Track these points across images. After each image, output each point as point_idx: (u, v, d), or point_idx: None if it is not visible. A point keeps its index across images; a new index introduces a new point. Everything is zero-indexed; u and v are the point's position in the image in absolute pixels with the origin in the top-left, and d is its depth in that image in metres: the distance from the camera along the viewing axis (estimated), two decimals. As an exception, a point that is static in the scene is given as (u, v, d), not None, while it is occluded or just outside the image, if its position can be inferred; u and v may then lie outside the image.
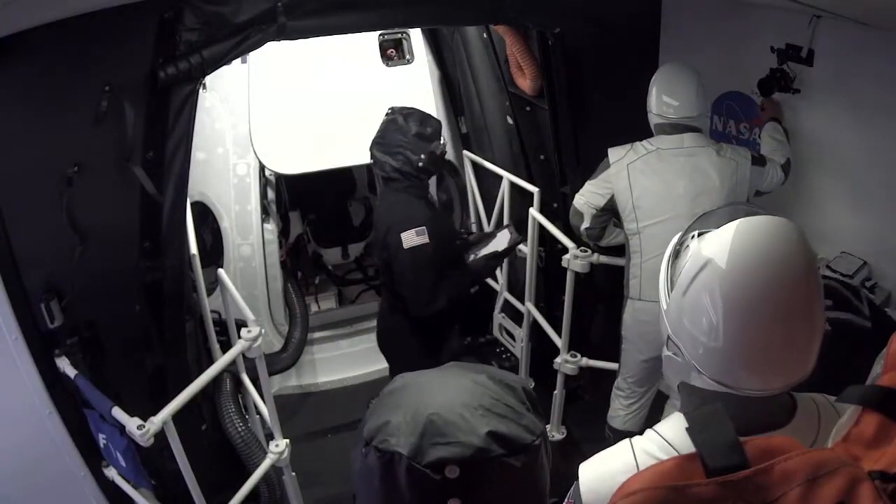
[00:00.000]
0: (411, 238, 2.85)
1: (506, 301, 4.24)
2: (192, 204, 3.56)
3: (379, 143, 2.96)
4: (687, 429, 0.94)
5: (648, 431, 1.29)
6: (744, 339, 1.14)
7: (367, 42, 4.07)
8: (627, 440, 1.29)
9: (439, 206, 4.89)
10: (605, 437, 3.36)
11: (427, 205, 3.04)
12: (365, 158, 3.04)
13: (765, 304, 1.13)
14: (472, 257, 3.17)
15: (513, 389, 0.96)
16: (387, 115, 3.00)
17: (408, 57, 4.16)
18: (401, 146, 2.90)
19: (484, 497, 0.88)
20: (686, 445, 1.11)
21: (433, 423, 0.88)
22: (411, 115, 2.93)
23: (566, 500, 1.32)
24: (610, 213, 3.05)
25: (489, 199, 4.20)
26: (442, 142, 2.99)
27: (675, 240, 1.33)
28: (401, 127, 2.90)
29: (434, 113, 4.23)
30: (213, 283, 3.54)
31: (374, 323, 3.60)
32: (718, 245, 1.18)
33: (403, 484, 0.86)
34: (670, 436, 1.25)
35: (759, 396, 1.17)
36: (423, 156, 2.90)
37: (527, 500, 0.95)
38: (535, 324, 3.84)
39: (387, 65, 4.13)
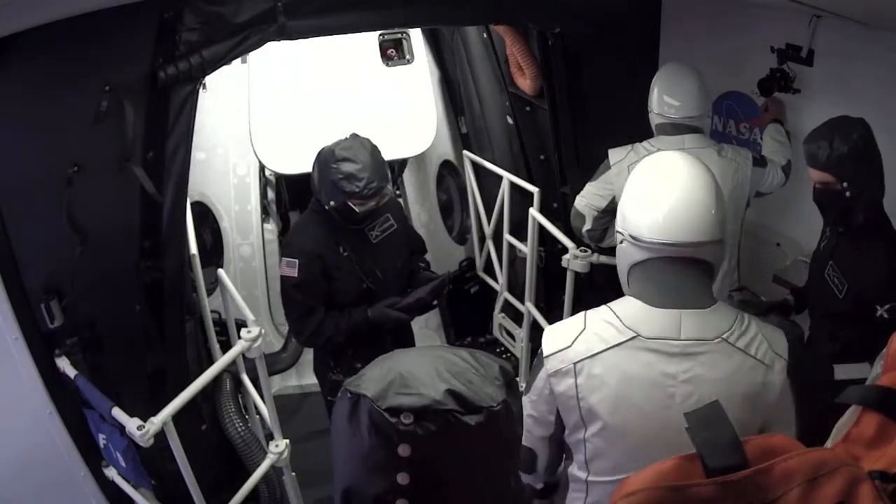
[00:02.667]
0: (283, 266, 2.83)
1: (506, 301, 4.24)
2: (192, 204, 3.56)
3: (318, 157, 2.81)
4: (687, 429, 0.94)
5: (603, 306, 1.66)
6: (651, 197, 1.60)
7: (367, 42, 4.07)
8: (584, 311, 1.68)
9: (439, 206, 4.92)
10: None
11: (334, 234, 2.86)
12: None
13: (664, 170, 1.63)
14: (386, 307, 2.92)
15: (488, 366, 1.01)
16: (343, 139, 2.80)
17: (408, 57, 4.16)
18: (322, 180, 2.76)
19: (434, 448, 0.93)
20: (632, 321, 1.58)
21: (402, 376, 0.95)
22: (347, 162, 2.69)
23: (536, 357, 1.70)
24: (611, 214, 3.04)
25: (489, 200, 4.20)
26: (370, 203, 2.75)
27: None
28: (330, 167, 2.71)
29: (434, 113, 4.26)
30: (213, 283, 3.54)
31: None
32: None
33: (364, 426, 0.94)
34: (620, 311, 1.62)
35: (680, 265, 1.58)
36: (333, 203, 2.76)
37: (481, 464, 0.99)
38: (535, 324, 3.84)
39: (387, 65, 4.12)
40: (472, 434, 0.94)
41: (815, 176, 2.40)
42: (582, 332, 1.62)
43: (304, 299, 2.85)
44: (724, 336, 1.57)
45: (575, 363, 1.60)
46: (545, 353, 1.65)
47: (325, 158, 2.75)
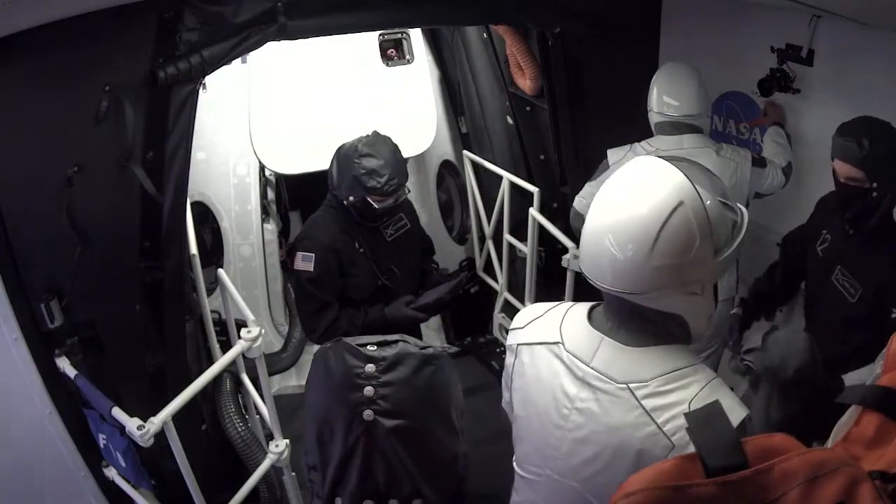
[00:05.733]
0: (298, 261, 2.82)
1: (506, 301, 4.23)
2: (192, 204, 3.56)
3: (338, 152, 2.84)
4: (687, 429, 0.94)
5: (580, 304, 1.56)
6: (586, 231, 1.42)
7: (367, 42, 4.06)
8: (565, 302, 1.63)
9: (439, 206, 4.91)
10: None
11: (350, 230, 2.88)
12: None
13: (609, 198, 1.39)
14: (403, 306, 2.94)
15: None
16: (365, 136, 2.82)
17: (408, 57, 4.16)
18: (343, 174, 2.77)
19: (392, 370, 1.55)
20: (567, 327, 1.50)
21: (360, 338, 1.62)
22: (370, 158, 2.72)
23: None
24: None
25: (489, 199, 4.20)
26: (388, 200, 2.77)
27: None
28: (352, 163, 2.73)
29: (434, 113, 4.25)
30: (213, 283, 3.54)
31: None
32: None
33: (338, 358, 1.57)
34: (573, 313, 1.53)
35: (615, 300, 1.42)
36: (352, 198, 2.77)
37: (431, 408, 1.62)
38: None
39: (387, 65, 4.12)
40: (419, 366, 1.56)
41: (844, 171, 2.30)
42: (539, 318, 1.58)
43: (319, 294, 2.84)
44: (631, 385, 1.37)
45: (518, 345, 1.59)
46: (512, 325, 1.65)
47: (347, 153, 2.76)
